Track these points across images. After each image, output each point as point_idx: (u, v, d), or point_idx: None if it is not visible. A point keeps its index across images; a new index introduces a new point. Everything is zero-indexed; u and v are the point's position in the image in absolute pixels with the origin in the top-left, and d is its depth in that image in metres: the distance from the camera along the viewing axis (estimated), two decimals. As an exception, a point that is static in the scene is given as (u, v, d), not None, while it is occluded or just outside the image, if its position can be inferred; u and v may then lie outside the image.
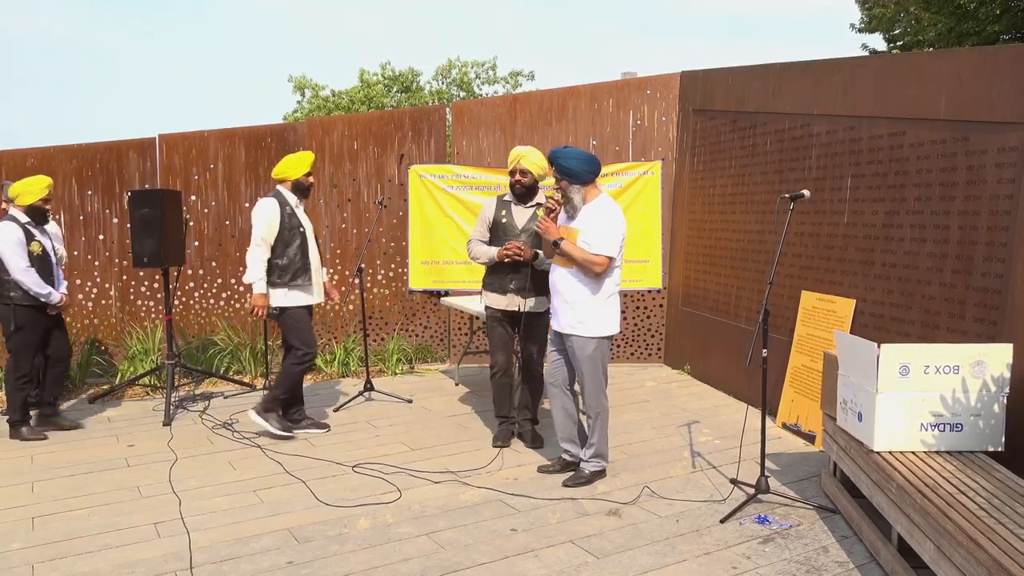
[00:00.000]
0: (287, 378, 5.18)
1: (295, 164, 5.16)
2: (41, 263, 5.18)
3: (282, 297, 5.09)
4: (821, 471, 4.37)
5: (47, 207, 5.32)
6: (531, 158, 4.72)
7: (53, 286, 5.24)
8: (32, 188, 5.20)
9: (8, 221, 5.15)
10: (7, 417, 5.32)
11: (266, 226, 5.01)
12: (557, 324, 4.29)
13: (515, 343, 5.03)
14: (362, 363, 7.08)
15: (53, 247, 5.35)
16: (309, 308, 5.28)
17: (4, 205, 5.72)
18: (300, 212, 5.19)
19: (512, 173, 4.78)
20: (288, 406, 5.35)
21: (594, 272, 4.12)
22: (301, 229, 5.13)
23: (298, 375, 5.21)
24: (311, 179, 5.24)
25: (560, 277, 4.22)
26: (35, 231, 5.23)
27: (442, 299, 7.18)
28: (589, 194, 4.21)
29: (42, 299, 5.15)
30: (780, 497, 4.08)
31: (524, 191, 4.79)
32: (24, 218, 5.20)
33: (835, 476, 4.05)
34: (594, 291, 4.16)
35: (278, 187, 5.19)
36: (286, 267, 5.08)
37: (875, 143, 4.81)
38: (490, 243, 4.85)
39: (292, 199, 5.16)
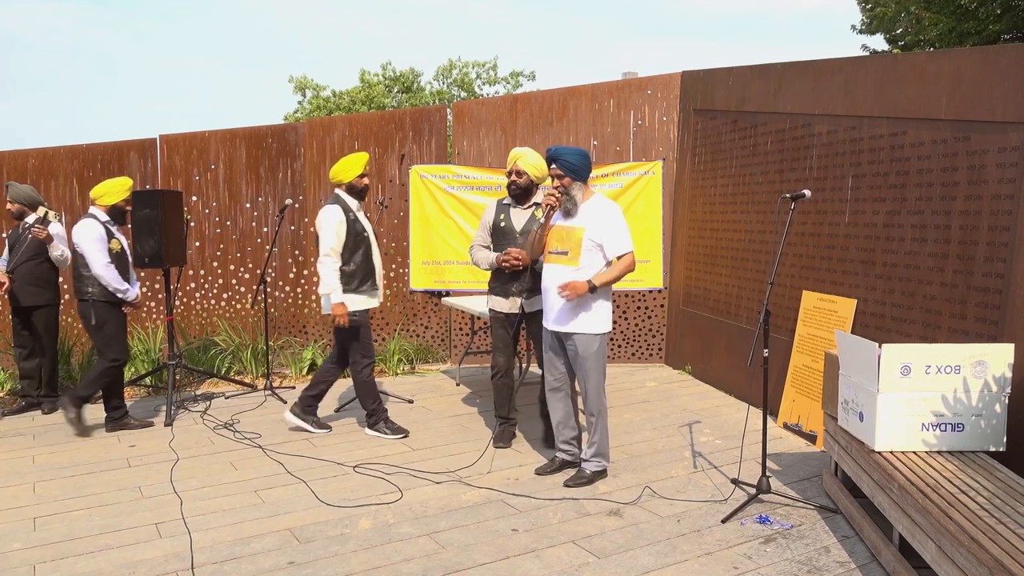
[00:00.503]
0: (366, 387, 5.19)
1: (347, 166, 5.09)
2: (119, 261, 5.30)
3: (348, 303, 5.05)
4: (822, 471, 4.37)
5: (128, 208, 5.46)
6: (528, 159, 4.72)
7: (129, 284, 5.35)
8: (115, 189, 5.35)
9: (90, 219, 5.27)
10: (75, 390, 5.33)
11: (335, 237, 4.95)
12: (556, 324, 4.27)
13: (517, 345, 5.02)
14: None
15: (125, 248, 5.45)
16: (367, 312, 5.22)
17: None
18: (362, 216, 5.13)
19: (509, 174, 4.78)
20: (312, 402, 5.37)
21: (630, 272, 4.20)
22: (365, 234, 5.08)
23: (371, 381, 5.20)
24: (365, 180, 5.13)
25: (560, 276, 4.21)
26: (114, 230, 5.34)
27: (443, 299, 7.18)
28: (585, 193, 4.23)
29: (119, 295, 5.26)
30: (781, 497, 4.08)
31: (520, 192, 4.78)
32: (104, 217, 5.33)
33: (836, 476, 4.05)
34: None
35: (337, 191, 5.13)
36: (353, 273, 5.04)
37: (876, 143, 4.81)
38: (492, 247, 4.85)
39: (353, 204, 5.10)
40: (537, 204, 4.80)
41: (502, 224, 4.81)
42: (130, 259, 5.47)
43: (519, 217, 4.81)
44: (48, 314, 5.84)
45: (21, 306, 5.73)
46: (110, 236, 5.29)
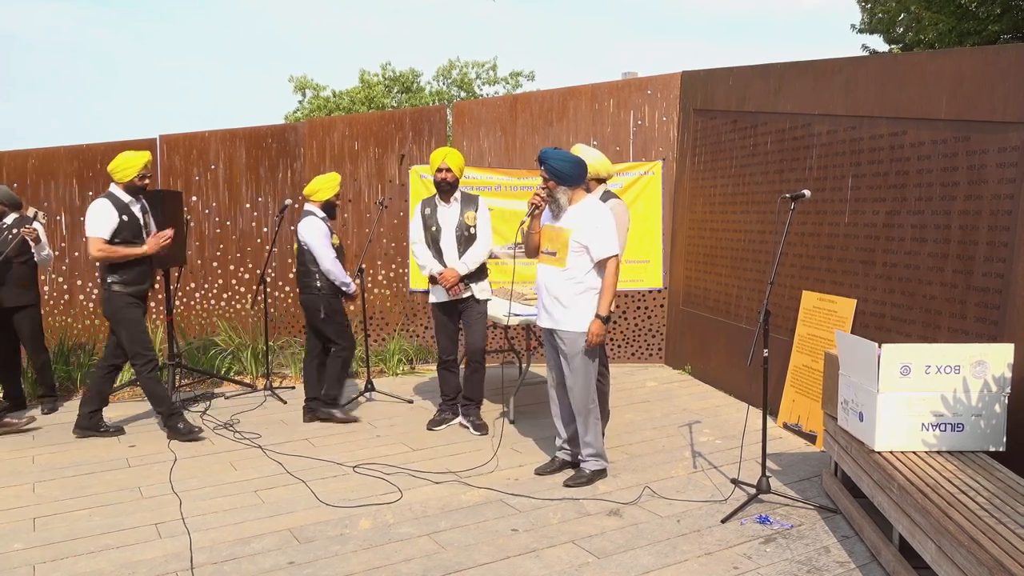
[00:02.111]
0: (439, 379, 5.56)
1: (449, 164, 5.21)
2: (338, 255, 5.49)
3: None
4: (822, 471, 4.37)
5: (338, 202, 5.64)
6: (586, 157, 4.67)
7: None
8: (329, 184, 5.50)
9: (312, 216, 5.42)
10: (324, 395, 5.60)
11: (412, 226, 5.33)
12: (549, 322, 4.28)
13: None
14: (363, 363, 7.08)
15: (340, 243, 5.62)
16: (443, 306, 5.26)
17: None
18: (440, 211, 5.19)
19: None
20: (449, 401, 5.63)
21: (613, 270, 4.18)
22: (433, 229, 5.19)
23: (441, 374, 5.45)
24: (440, 175, 5.14)
25: (552, 275, 4.23)
26: (329, 225, 5.50)
27: (443, 299, 7.17)
28: (575, 196, 4.24)
29: (344, 288, 5.48)
30: (781, 497, 4.08)
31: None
32: (321, 213, 5.47)
33: (836, 476, 4.05)
34: (586, 286, 4.20)
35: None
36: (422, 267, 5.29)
37: (876, 143, 4.81)
38: None
39: (436, 199, 5.23)
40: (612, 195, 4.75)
41: None
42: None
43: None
44: (32, 314, 5.78)
45: (4, 307, 5.67)
46: (331, 231, 5.45)
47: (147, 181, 5.19)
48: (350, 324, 5.64)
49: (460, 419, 5.48)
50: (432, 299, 5.31)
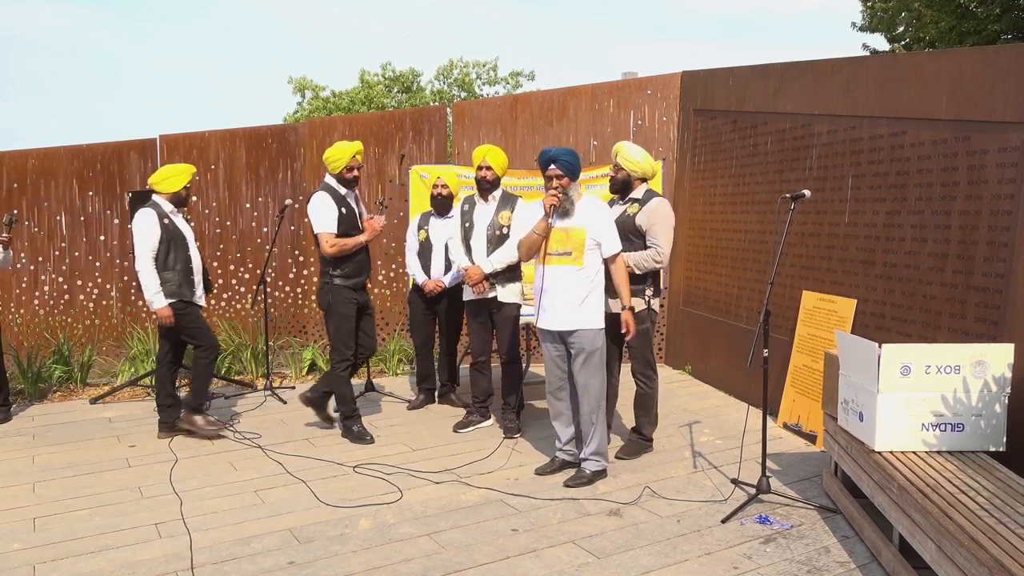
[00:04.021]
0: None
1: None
2: (422, 248, 5.84)
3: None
4: (822, 471, 4.37)
5: (442, 192, 5.76)
6: (628, 153, 4.67)
7: (428, 272, 5.81)
8: (426, 183, 5.85)
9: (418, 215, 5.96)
10: (440, 387, 6.11)
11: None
12: (557, 324, 4.26)
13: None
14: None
15: (432, 237, 5.82)
16: (473, 305, 5.28)
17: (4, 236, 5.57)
18: (476, 209, 5.21)
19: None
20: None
21: (623, 263, 4.31)
22: (467, 225, 5.26)
23: (471, 375, 5.49)
24: (479, 173, 5.13)
25: (567, 275, 4.20)
26: (432, 218, 5.84)
27: (443, 299, 7.16)
28: (578, 192, 4.27)
29: (417, 279, 5.86)
30: (781, 497, 4.08)
31: (619, 187, 4.78)
32: (431, 210, 5.87)
33: (836, 476, 4.05)
34: (597, 283, 4.22)
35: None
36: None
37: (876, 143, 4.81)
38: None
39: (476, 196, 5.28)
40: (634, 199, 4.71)
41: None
42: (436, 247, 5.77)
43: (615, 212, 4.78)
44: None
45: None
46: (419, 227, 5.85)
47: (355, 174, 5.01)
48: (424, 316, 5.91)
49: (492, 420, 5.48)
50: (464, 297, 5.32)
